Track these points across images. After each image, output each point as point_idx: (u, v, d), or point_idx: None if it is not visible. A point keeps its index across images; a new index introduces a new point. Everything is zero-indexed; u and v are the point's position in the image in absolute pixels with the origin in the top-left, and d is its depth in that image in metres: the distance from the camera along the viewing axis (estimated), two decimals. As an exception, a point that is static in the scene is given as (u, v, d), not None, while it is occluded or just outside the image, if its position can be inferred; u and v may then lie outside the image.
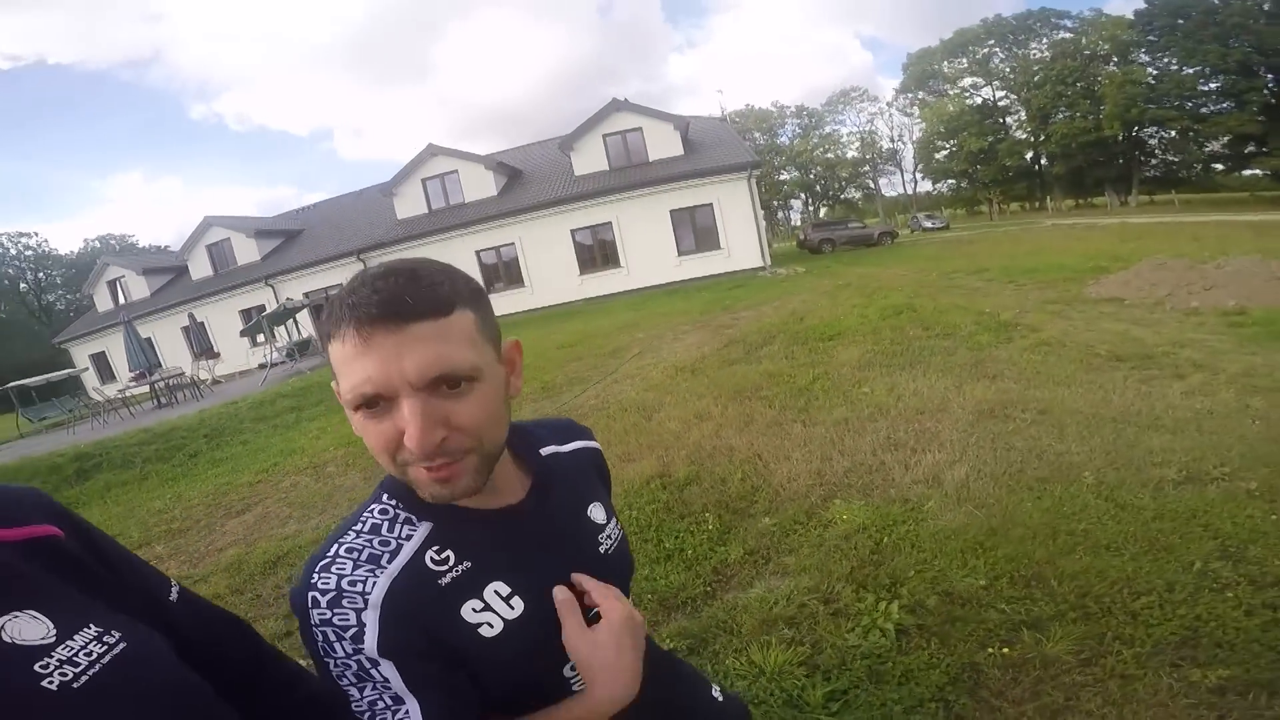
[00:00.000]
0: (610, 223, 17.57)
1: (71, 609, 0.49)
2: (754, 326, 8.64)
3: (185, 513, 5.52)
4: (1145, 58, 37.87)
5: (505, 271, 18.62)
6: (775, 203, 56.94)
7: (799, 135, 53.05)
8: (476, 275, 18.63)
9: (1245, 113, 33.72)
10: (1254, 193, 35.91)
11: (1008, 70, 44.16)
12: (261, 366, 15.21)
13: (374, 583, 0.62)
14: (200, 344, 21.87)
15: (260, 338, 16.73)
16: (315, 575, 0.63)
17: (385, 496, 0.69)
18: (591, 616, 0.71)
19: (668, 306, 12.85)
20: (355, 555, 0.64)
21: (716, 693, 1.00)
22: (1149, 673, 1.85)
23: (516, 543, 0.71)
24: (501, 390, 0.64)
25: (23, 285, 51.70)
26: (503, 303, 18.31)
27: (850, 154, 52.56)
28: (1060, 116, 40.40)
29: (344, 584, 0.62)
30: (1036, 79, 40.81)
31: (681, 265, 17.43)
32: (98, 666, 0.46)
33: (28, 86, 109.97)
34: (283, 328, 18.79)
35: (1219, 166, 39.48)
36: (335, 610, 0.61)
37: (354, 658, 0.61)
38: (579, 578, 0.72)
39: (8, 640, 0.45)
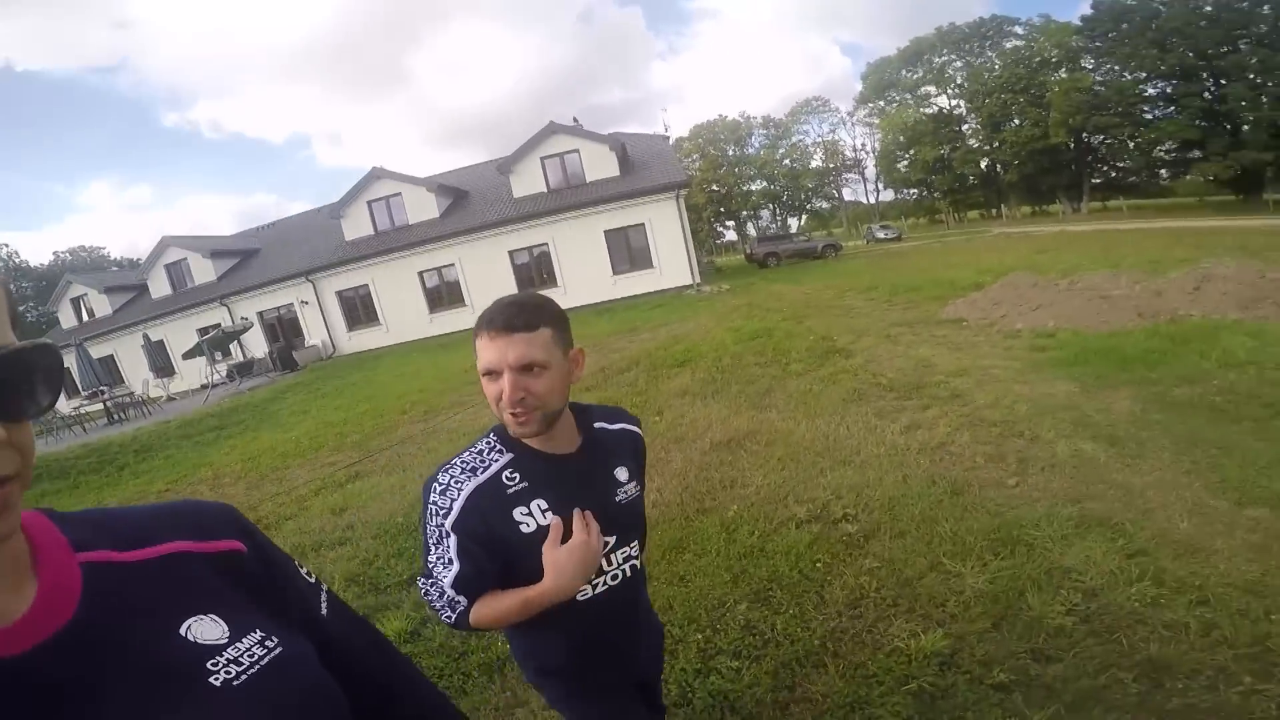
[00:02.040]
0: (547, 244, 18.20)
1: (244, 615, 0.56)
2: (634, 352, 9.26)
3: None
4: (1092, 64, 38.60)
5: (447, 291, 19.24)
6: (744, 213, 57.79)
7: (766, 145, 54.02)
8: (418, 297, 19.52)
9: (1185, 118, 34.41)
10: (1203, 198, 36.41)
11: (960, 79, 44.98)
12: (204, 387, 15.66)
13: (467, 484, 1.05)
14: (157, 361, 22.23)
15: (213, 357, 17.18)
16: (439, 474, 1.08)
17: (491, 435, 1.12)
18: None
19: (585, 329, 13.45)
20: (465, 466, 1.07)
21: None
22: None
23: (562, 478, 1.09)
24: (563, 376, 1.04)
25: (-9, 299, 51.50)
26: (445, 321, 18.89)
27: (814, 164, 53.48)
28: (1012, 125, 41.19)
29: (451, 482, 1.06)
30: (988, 87, 41.60)
31: (616, 284, 18.07)
32: (256, 668, 0.52)
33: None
34: (236, 346, 19.31)
35: (1164, 174, 40.13)
36: (441, 497, 1.05)
37: (439, 528, 1.05)
38: (580, 514, 1.07)
39: (191, 639, 0.51)
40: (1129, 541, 2.68)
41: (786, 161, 53.53)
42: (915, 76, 47.35)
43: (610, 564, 1.16)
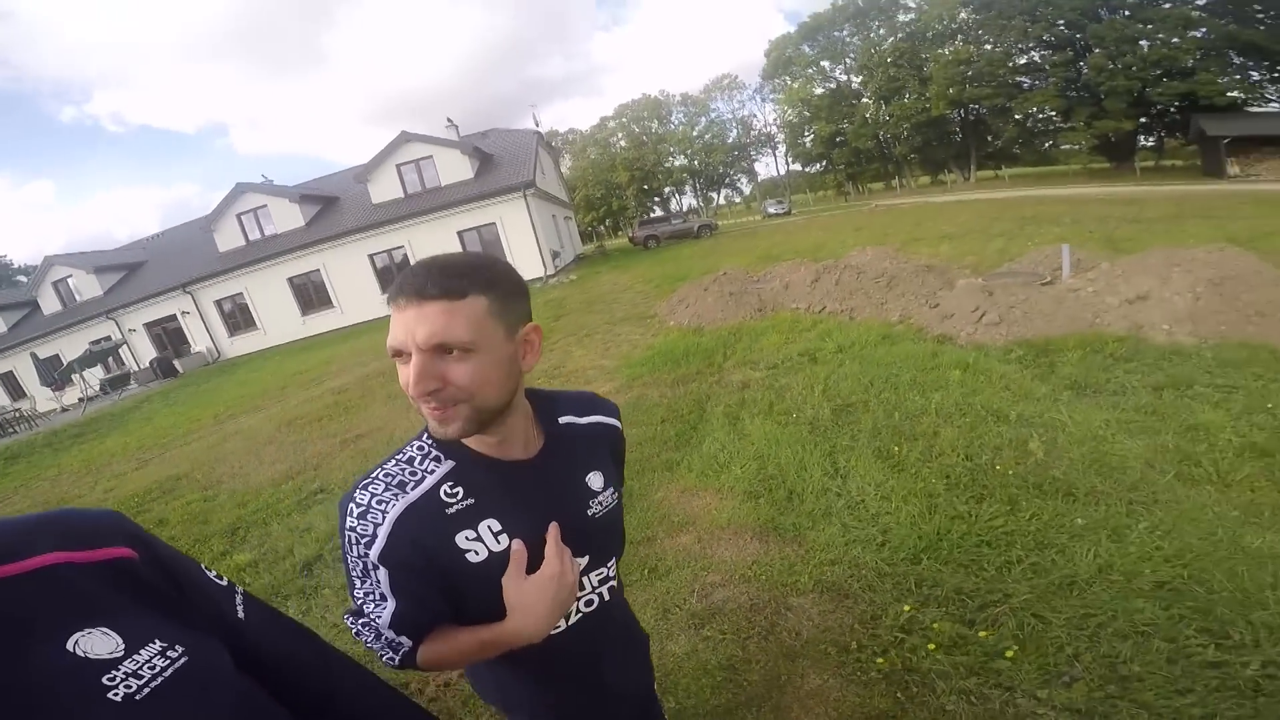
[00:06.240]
0: (403, 246, 19.52)
1: (139, 625, 0.51)
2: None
3: (-41, 513, 7.90)
4: (976, 37, 39.95)
5: (315, 294, 20.55)
6: (668, 190, 59.24)
7: (683, 123, 55.39)
8: (289, 301, 20.72)
9: (1054, 88, 36.12)
10: (1086, 165, 38.21)
11: (851, 55, 46.52)
12: (81, 400, 16.86)
13: (394, 505, 0.82)
14: (50, 376, 22.99)
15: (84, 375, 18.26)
16: (357, 491, 0.84)
17: (425, 436, 0.88)
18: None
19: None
20: (389, 480, 0.84)
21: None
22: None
23: (517, 491, 0.87)
24: (501, 362, 0.79)
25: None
26: (316, 323, 20.28)
27: (730, 139, 55.09)
28: (901, 99, 42.93)
29: (373, 501, 0.82)
30: (876, 60, 43.15)
31: (474, 280, 19.51)
32: (159, 679, 0.48)
33: None
34: (127, 355, 20.33)
35: (1046, 143, 41.66)
36: (360, 521, 0.81)
37: (362, 559, 0.82)
38: (551, 532, 0.87)
39: (80, 654, 0.47)
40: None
41: (707, 137, 54.98)
42: (814, 52, 48.67)
43: (582, 588, 0.96)
